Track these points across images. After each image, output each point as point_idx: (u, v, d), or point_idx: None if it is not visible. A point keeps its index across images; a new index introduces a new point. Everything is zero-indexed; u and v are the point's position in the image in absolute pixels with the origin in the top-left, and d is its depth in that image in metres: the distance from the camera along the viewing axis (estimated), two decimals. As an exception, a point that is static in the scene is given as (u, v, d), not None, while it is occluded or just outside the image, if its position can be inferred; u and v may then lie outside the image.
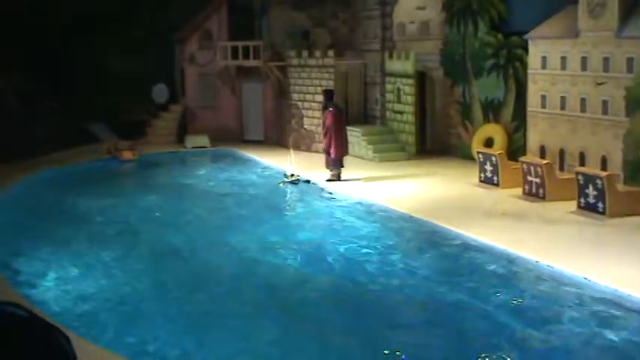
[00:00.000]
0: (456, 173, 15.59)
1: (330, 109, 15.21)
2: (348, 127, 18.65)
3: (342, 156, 15.22)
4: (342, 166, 15.32)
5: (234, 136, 21.44)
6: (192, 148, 20.68)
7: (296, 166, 15.94)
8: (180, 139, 21.35)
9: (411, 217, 12.05)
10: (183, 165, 19.29)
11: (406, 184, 14.88)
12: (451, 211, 12.21)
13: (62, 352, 1.15)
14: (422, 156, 17.70)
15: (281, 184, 15.27)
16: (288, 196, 14.85)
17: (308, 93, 19.58)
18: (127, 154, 19.28)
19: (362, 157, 18.10)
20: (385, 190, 14.29)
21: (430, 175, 15.64)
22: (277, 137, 20.81)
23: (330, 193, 14.44)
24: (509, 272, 9.22)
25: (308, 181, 15.43)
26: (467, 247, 10.26)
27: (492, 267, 9.41)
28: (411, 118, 17.84)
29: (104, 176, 17.27)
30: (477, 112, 17.02)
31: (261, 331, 7.52)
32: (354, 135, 18.20)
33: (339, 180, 15.22)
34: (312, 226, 11.79)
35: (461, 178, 14.94)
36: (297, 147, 19.76)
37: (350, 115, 19.57)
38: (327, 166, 15.40)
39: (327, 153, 15.21)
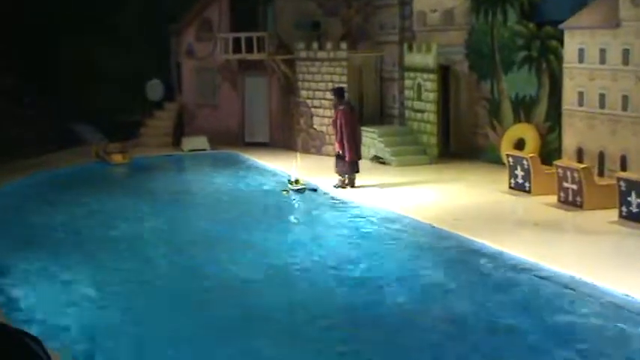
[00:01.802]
0: (483, 179, 15.58)
1: (342, 107, 15.24)
2: (362, 128, 18.66)
3: (357, 160, 15.21)
4: (357, 171, 15.31)
5: (235, 137, 21.50)
6: (190, 150, 20.75)
7: (303, 171, 15.89)
8: (176, 141, 21.44)
9: (433, 228, 12.03)
10: (179, 170, 19.46)
11: (428, 191, 14.84)
12: (478, 221, 12.19)
13: (36, 356, 1.19)
14: (445, 159, 17.70)
15: (284, 193, 15.21)
16: (295, 206, 14.82)
17: (318, 90, 19.57)
18: (117, 158, 19.29)
19: (378, 162, 18.17)
20: (404, 197, 14.27)
21: (454, 180, 15.61)
22: (284, 139, 20.85)
23: (343, 203, 14.42)
24: (553, 293, 9.06)
25: (315, 190, 15.40)
26: (500, 263, 10.17)
27: (524, 286, 9.34)
28: (432, 117, 17.85)
29: (89, 182, 17.26)
30: (507, 111, 17.03)
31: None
32: (370, 136, 18.29)
33: (352, 187, 15.22)
34: (322, 243, 11.64)
35: (488, 185, 14.93)
36: (306, 149, 19.79)
37: (365, 114, 19.55)
38: (338, 170, 15.34)
39: (340, 157, 15.18)
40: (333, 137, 15.89)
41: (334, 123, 15.31)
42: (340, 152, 15.08)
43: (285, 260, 10.79)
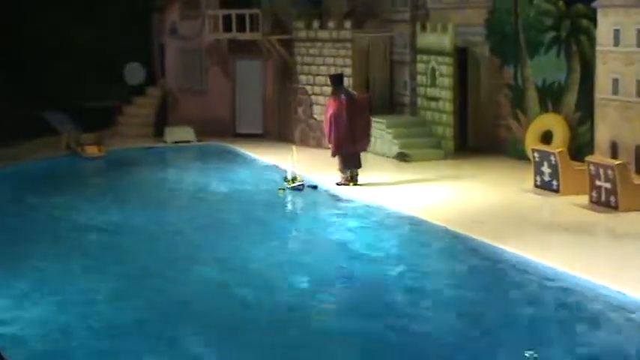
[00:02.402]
0: (505, 176, 15.61)
1: (333, 97, 15.29)
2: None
3: (352, 154, 15.22)
4: (357, 166, 15.34)
5: (225, 128, 21.55)
6: (174, 142, 20.81)
7: (302, 167, 15.87)
8: (158, 132, 21.48)
9: (448, 231, 12.05)
10: (161, 164, 19.44)
11: (442, 189, 14.88)
12: (499, 224, 12.25)
13: None
14: (462, 154, 17.75)
15: (280, 192, 15.25)
16: (292, 206, 14.83)
17: (319, 74, 19.58)
18: (92, 150, 19.34)
19: (386, 155, 18.18)
20: (415, 196, 14.31)
21: (472, 178, 15.67)
22: (280, 130, 20.90)
23: (346, 201, 14.46)
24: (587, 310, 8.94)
25: (315, 187, 15.44)
26: (527, 274, 10.14)
27: (562, 305, 9.20)
28: (448, 106, 17.89)
29: (57, 179, 17.14)
30: (532, 99, 17.06)
31: None
32: (377, 127, 18.24)
33: (356, 184, 15.30)
34: (323, 250, 11.65)
35: (511, 183, 14.97)
36: (305, 142, 19.77)
37: (371, 102, 19.57)
38: (340, 167, 15.47)
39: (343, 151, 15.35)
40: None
41: (332, 115, 15.21)
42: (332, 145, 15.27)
43: (273, 300, 9.55)
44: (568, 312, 8.98)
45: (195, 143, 20.78)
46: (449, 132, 17.89)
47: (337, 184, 15.36)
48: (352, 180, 15.33)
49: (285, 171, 15.78)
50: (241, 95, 21.68)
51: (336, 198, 14.88)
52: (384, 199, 14.15)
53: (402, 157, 17.08)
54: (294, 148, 16.31)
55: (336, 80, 15.68)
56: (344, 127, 15.07)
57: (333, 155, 15.26)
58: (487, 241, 11.31)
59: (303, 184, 15.30)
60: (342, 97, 15.22)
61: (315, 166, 16.75)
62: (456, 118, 17.91)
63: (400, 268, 10.70)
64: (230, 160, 19.12)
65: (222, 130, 21.39)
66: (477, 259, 10.91)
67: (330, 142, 15.35)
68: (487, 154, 17.64)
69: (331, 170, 15.67)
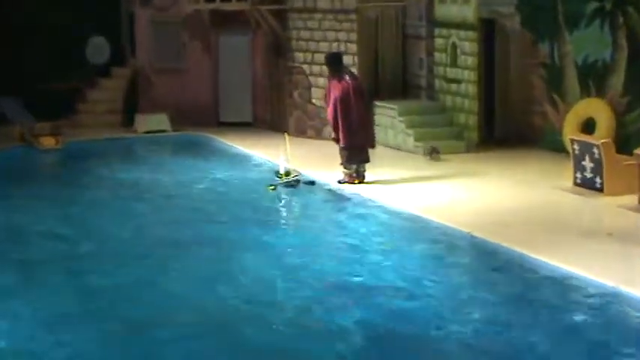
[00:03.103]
0: (539, 173, 15.62)
1: (335, 78, 15.15)
2: (378, 104, 18.54)
3: (361, 146, 15.22)
4: (364, 161, 15.32)
5: (207, 115, 21.59)
6: (145, 133, 20.83)
7: (297, 160, 15.88)
8: (127, 120, 21.49)
9: (474, 238, 12.03)
10: (129, 159, 19.26)
11: (464, 188, 14.89)
12: (533, 229, 12.22)
13: None
14: (488, 146, 17.81)
15: (271, 189, 15.28)
16: (285, 207, 14.86)
17: (318, 51, 19.49)
18: (48, 142, 19.35)
19: (398, 148, 18.19)
20: (432, 197, 14.31)
21: (500, 175, 15.66)
22: (272, 118, 20.94)
23: (350, 202, 14.49)
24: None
25: (312, 183, 15.52)
26: (572, 291, 10.08)
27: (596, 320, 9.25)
28: (472, 89, 17.91)
29: (6, 175, 17.15)
30: (572, 81, 17.05)
31: None
32: (387, 114, 18.34)
33: (362, 181, 15.29)
34: (323, 263, 11.43)
35: (546, 180, 14.98)
36: (301, 131, 19.74)
37: (381, 84, 19.60)
38: (342, 162, 15.43)
39: (336, 140, 15.30)
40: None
41: (327, 95, 15.27)
42: (335, 135, 15.24)
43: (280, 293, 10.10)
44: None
45: (171, 134, 20.83)
46: (472, 120, 17.91)
47: (340, 182, 15.37)
48: (358, 177, 15.35)
49: (278, 165, 15.82)
50: (226, 77, 21.71)
51: (338, 198, 14.93)
52: (395, 200, 14.15)
53: (433, 153, 17.01)
54: (286, 135, 16.22)
55: (335, 60, 15.61)
56: (354, 114, 15.01)
57: (345, 148, 15.13)
58: (519, 249, 11.27)
59: (298, 179, 15.39)
60: (347, 77, 15.16)
61: (313, 160, 16.70)
62: (480, 103, 17.93)
63: (427, 283, 10.50)
64: (213, 154, 19.14)
65: (204, 118, 21.44)
66: (509, 272, 10.88)
67: (335, 132, 15.21)
68: (517, 146, 17.71)
69: (333, 165, 15.68)
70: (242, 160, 18.42)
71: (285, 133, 16.19)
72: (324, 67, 18.79)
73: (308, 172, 16.04)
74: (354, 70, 17.71)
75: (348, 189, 15.12)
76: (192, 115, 21.26)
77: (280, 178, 15.51)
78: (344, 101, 14.93)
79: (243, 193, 15.57)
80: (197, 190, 15.87)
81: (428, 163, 16.94)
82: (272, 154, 17.40)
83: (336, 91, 15.07)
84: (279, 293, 10.37)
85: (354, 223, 13.41)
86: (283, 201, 15.03)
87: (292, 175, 15.41)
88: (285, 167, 15.62)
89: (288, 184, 15.32)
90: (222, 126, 21.27)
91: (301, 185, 15.41)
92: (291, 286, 10.48)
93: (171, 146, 20.22)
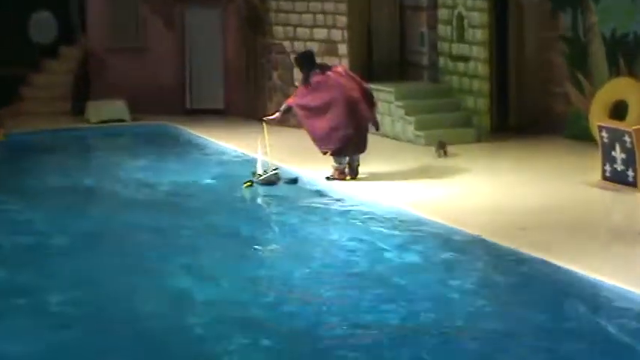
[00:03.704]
0: (562, 165, 15.66)
1: (322, 73, 15.40)
2: (372, 87, 18.51)
3: (355, 134, 15.30)
4: (359, 150, 15.41)
5: (172, 102, 21.62)
6: (99, 122, 20.84)
7: (275, 153, 15.81)
8: (78, 108, 21.50)
9: (485, 242, 12.03)
10: (80, 153, 19.28)
11: (474, 184, 14.94)
12: (556, 232, 12.22)
13: None
14: (502, 135, 17.95)
15: (245, 186, 15.38)
16: (262, 208, 14.86)
17: (301, 25, 19.57)
18: (-14, 134, 19.38)
19: (396, 138, 18.23)
20: (437, 194, 14.34)
21: (516, 168, 15.72)
22: (248, 104, 20.90)
23: (340, 203, 14.45)
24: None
25: (295, 181, 15.61)
26: (598, 300, 10.11)
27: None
28: (482, 68, 17.94)
29: None
30: (598, 58, 17.03)
31: None
32: (383, 99, 18.18)
33: (354, 178, 15.38)
34: (313, 279, 11.23)
35: (570, 174, 14.99)
36: (282, 119, 19.64)
37: (375, 63, 19.61)
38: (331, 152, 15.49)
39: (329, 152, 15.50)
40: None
41: (301, 108, 15.48)
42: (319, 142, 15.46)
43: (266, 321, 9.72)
44: None
45: (130, 124, 20.80)
46: (483, 104, 17.95)
47: (328, 178, 15.43)
48: (351, 172, 15.42)
49: (255, 159, 15.85)
50: (194, 56, 21.76)
51: (326, 198, 14.84)
52: (394, 199, 14.12)
53: (442, 148, 16.98)
54: (264, 125, 16.18)
55: (306, 61, 15.67)
56: (325, 118, 15.26)
57: (336, 154, 15.37)
58: (541, 256, 11.21)
59: (277, 176, 15.40)
60: (317, 76, 15.32)
61: (296, 153, 16.68)
62: (492, 85, 17.95)
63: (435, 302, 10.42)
64: (179, 147, 19.13)
65: (168, 104, 21.45)
66: (533, 284, 10.83)
67: (318, 145, 15.51)
68: (536, 134, 17.77)
69: (319, 158, 15.69)
70: (212, 154, 18.45)
71: (264, 121, 16.08)
72: (309, 44, 18.95)
73: (290, 167, 16.08)
74: (344, 47, 17.67)
75: (338, 187, 15.09)
76: (154, 102, 21.25)
77: (256, 175, 15.56)
78: (307, 110, 15.40)
79: (211, 194, 15.58)
80: (160, 195, 15.76)
81: (430, 155, 16.95)
82: (248, 146, 17.37)
83: (299, 101, 15.47)
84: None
85: (341, 226, 13.35)
86: (259, 205, 15.07)
87: (271, 171, 15.42)
88: (263, 162, 15.64)
89: (267, 182, 15.36)
90: (190, 114, 21.36)
91: (282, 183, 15.45)
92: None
93: (129, 139, 20.40)
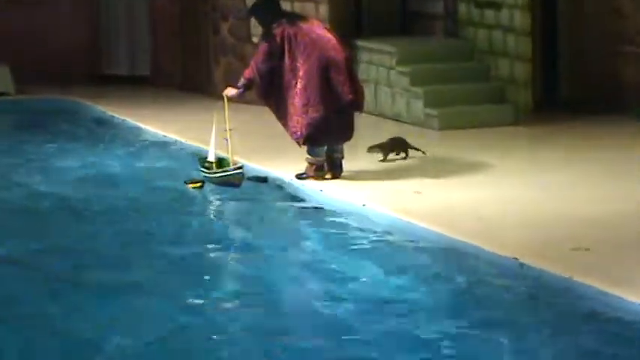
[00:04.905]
0: (634, 157, 15.98)
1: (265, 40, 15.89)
2: (361, 44, 18.48)
3: (320, 120, 15.50)
4: (342, 139, 15.70)
5: (78, 67, 22.46)
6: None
7: (236, 140, 15.88)
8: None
9: (523, 268, 11.91)
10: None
11: (509, 186, 15.11)
12: (625, 252, 12.16)
13: None
14: (548, 114, 18.53)
15: (193, 186, 15.54)
16: (213, 221, 14.99)
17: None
18: None
19: (397, 119, 18.65)
20: (455, 202, 14.47)
21: (569, 162, 16.06)
22: (184, 69, 21.55)
23: (321, 212, 14.73)
24: None
25: (264, 180, 15.90)
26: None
27: None
28: (520, 18, 18.22)
29: None
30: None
31: None
32: (378, 62, 18.85)
33: (335, 176, 15.67)
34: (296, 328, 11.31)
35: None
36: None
37: (365, 12, 19.61)
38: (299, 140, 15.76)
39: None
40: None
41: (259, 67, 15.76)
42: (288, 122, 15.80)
43: None
44: None
45: (15, 98, 21.49)
46: (522, 71, 18.22)
47: (299, 176, 15.70)
48: (332, 169, 15.67)
49: (203, 149, 16.23)
50: (108, 6, 21.77)
51: (303, 205, 15.12)
52: (392, 207, 14.23)
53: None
54: (225, 101, 16.22)
55: (267, 8, 15.91)
56: (295, 92, 15.64)
57: (308, 142, 15.71)
58: (612, 291, 11.03)
59: (240, 174, 15.50)
60: (283, 29, 15.59)
61: (259, 141, 17.11)
62: (536, 42, 17.87)
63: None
64: (84, 131, 19.49)
65: (73, 70, 22.22)
66: (606, 335, 10.59)
67: (289, 131, 15.86)
68: (597, 112, 18.19)
69: (289, 148, 16.02)
70: (137, 139, 18.78)
71: (225, 95, 16.08)
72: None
73: (256, 160, 16.42)
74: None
75: (314, 191, 15.32)
76: (50, 69, 21.82)
77: (207, 168, 15.80)
78: (266, 69, 15.72)
79: (143, 195, 15.83)
80: (50, 203, 15.76)
81: (451, 141, 17.21)
82: (188, 129, 17.91)
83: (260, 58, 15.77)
84: None
85: (325, 246, 13.48)
86: (206, 216, 15.26)
87: (231, 166, 15.52)
88: (216, 153, 15.84)
89: (225, 181, 15.52)
90: (105, 83, 22.07)
91: (245, 183, 15.62)
92: None
93: (14, 119, 20.57)
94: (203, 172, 15.79)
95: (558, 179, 15.12)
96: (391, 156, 16.61)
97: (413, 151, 16.52)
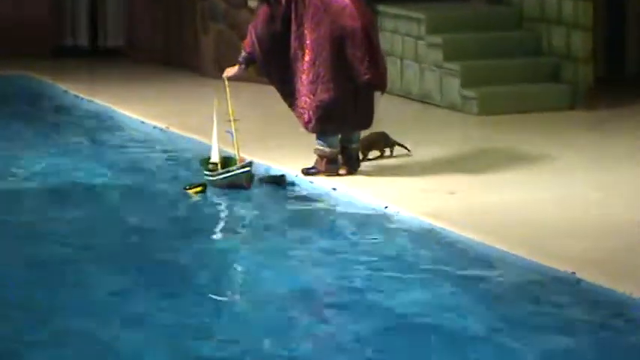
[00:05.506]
0: None
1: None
2: (382, 10, 18.24)
3: (332, 102, 15.67)
4: (358, 127, 15.92)
5: (37, 37, 22.49)
6: None
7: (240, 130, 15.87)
8: None
9: (581, 284, 11.89)
10: None
11: (565, 185, 15.29)
12: None
13: None
14: (613, 95, 19.07)
15: (194, 191, 15.53)
16: (216, 232, 14.85)
17: None
18: None
19: (428, 101, 19.10)
20: (500, 205, 14.61)
21: (638, 155, 16.32)
22: (167, 41, 21.73)
23: (327, 212, 14.92)
24: None
25: (280, 180, 15.94)
26: None
27: None
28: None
29: None
30: None
31: None
32: (403, 32, 19.05)
33: (350, 172, 15.82)
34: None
35: None
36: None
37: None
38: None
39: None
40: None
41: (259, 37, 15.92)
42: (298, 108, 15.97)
43: None
44: None
45: None
46: (581, 43, 18.28)
47: (307, 171, 15.81)
48: (346, 163, 15.79)
49: (209, 146, 16.23)
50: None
51: (311, 206, 15.22)
52: (419, 208, 14.33)
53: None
54: (226, 83, 16.19)
55: None
56: (302, 66, 15.86)
57: (318, 130, 15.88)
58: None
59: (248, 173, 15.46)
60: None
61: (268, 128, 17.44)
62: (597, 9, 18.25)
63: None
64: (46, 116, 20.03)
65: (30, 42, 22.56)
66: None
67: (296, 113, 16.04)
68: None
69: (299, 137, 16.33)
70: (113, 124, 19.21)
71: (224, 78, 15.98)
72: None
73: (267, 156, 16.66)
74: None
75: (325, 189, 15.43)
76: (5, 39, 21.95)
77: (210, 169, 15.79)
78: (266, 38, 15.90)
79: (133, 200, 15.97)
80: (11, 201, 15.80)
81: (493, 129, 17.46)
82: (179, 114, 18.45)
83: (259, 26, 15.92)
84: None
85: (337, 274, 13.10)
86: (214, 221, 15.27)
87: (238, 165, 15.51)
88: (219, 150, 15.88)
89: (230, 183, 15.54)
90: (67, 55, 21.57)
91: (256, 184, 15.75)
92: None
93: None
94: (207, 175, 15.83)
95: (623, 177, 15.33)
96: (372, 154, 16.72)
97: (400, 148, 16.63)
